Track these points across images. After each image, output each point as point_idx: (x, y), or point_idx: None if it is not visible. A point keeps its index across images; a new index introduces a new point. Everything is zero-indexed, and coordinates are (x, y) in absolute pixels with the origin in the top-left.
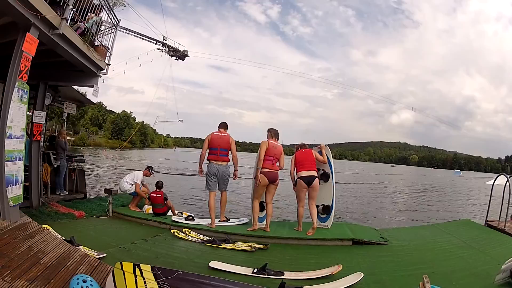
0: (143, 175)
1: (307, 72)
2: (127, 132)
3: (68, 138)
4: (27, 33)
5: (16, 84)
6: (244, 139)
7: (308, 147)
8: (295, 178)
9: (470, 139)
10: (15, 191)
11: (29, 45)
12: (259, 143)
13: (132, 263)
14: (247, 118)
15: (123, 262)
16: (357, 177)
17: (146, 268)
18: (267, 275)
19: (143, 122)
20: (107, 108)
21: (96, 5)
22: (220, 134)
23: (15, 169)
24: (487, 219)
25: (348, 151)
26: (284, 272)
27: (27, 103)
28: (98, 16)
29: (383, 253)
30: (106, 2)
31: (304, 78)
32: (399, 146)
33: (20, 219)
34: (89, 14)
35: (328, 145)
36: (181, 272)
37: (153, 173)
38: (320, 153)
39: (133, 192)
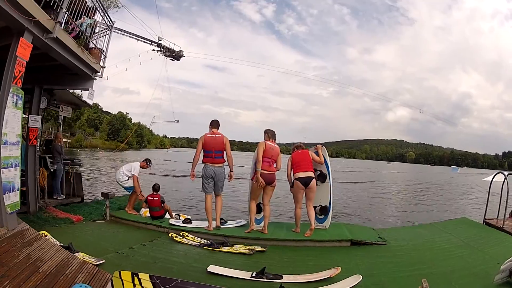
0: (140, 167)
1: (302, 70)
2: (123, 133)
3: (64, 140)
4: (21, 38)
5: (11, 89)
6: (241, 139)
7: (305, 147)
8: (292, 179)
9: (467, 136)
10: (12, 198)
11: (23, 50)
12: (255, 142)
13: (130, 272)
14: (243, 117)
15: (121, 271)
16: (354, 175)
17: (144, 277)
18: (266, 278)
19: (139, 122)
20: (103, 109)
21: (90, 8)
22: (214, 135)
23: (12, 175)
24: (485, 217)
25: (344, 149)
26: (283, 275)
27: (22, 108)
28: (91, 18)
29: (382, 253)
30: (100, 4)
31: (300, 77)
32: (395, 144)
33: (18, 226)
34: (82, 16)
35: (324, 143)
36: (179, 281)
37: (150, 165)
38: (317, 153)
39: (128, 186)
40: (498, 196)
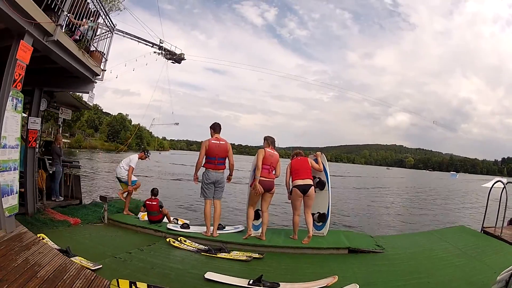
0: (139, 158)
1: (303, 74)
2: (123, 134)
3: (64, 140)
4: (21, 40)
5: (10, 93)
6: (240, 142)
7: (304, 154)
8: (291, 186)
9: (466, 141)
10: (11, 201)
11: (23, 53)
12: (255, 146)
13: (128, 281)
14: (243, 121)
15: (119, 280)
16: (353, 181)
17: (142, 286)
18: (263, 286)
19: (139, 124)
20: (103, 111)
21: (92, 11)
22: (218, 142)
23: (10, 179)
24: (483, 226)
25: (344, 153)
26: (280, 283)
27: (22, 111)
28: (93, 22)
29: (379, 262)
30: (101, 7)
31: (301, 81)
32: (395, 149)
33: (16, 229)
34: (84, 20)
35: (323, 148)
36: None
37: (148, 156)
38: (316, 161)
39: (126, 181)
40: (496, 202)
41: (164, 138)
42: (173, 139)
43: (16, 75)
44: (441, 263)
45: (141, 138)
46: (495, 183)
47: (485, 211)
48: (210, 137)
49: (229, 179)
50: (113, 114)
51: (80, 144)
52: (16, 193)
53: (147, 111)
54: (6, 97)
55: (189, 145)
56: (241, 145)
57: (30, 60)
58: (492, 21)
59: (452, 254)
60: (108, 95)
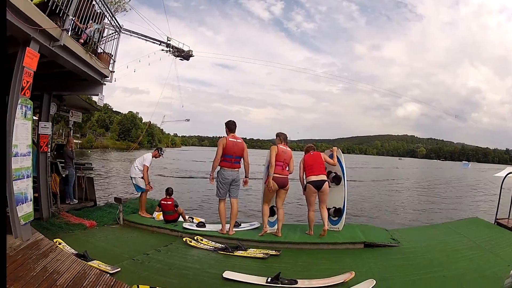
0: (153, 157)
1: (311, 67)
2: (134, 132)
3: (75, 141)
4: (27, 47)
5: (19, 101)
6: (252, 136)
7: (315, 148)
8: (305, 182)
9: (477, 131)
10: (25, 209)
11: (30, 60)
12: (267, 140)
13: (148, 286)
14: (254, 115)
15: (140, 286)
16: (365, 172)
17: None
18: (281, 284)
19: (150, 122)
20: (114, 109)
21: (98, 13)
22: (235, 140)
23: (24, 187)
24: (497, 217)
25: (355, 145)
26: (298, 280)
27: (32, 119)
28: (99, 24)
29: (394, 256)
30: (107, 9)
31: (309, 74)
32: (406, 139)
33: (32, 236)
34: (90, 22)
35: (335, 139)
36: None
37: (162, 154)
38: (331, 156)
39: (141, 186)
40: (509, 192)
41: (175, 135)
42: (184, 135)
43: (24, 83)
44: (455, 256)
45: (152, 135)
46: (507, 174)
47: (498, 202)
48: (226, 135)
49: (245, 182)
50: (124, 113)
51: (92, 144)
52: (31, 200)
53: (156, 109)
54: (15, 105)
55: (201, 141)
56: (252, 139)
57: (37, 66)
58: (498, 11)
59: (466, 247)
60: (117, 94)
